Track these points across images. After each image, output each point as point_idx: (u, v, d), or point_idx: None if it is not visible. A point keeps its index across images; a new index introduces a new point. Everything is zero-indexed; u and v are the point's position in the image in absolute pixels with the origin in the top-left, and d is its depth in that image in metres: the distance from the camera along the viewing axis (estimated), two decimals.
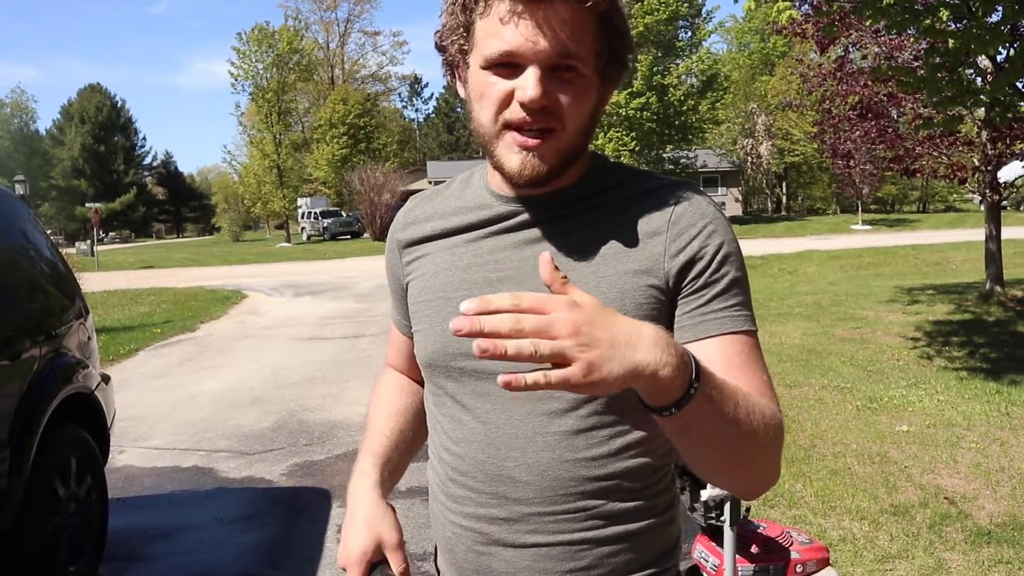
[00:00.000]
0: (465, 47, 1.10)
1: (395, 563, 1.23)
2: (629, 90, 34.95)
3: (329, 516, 4.48)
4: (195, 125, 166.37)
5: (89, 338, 4.27)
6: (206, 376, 8.72)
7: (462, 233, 1.21)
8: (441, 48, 1.14)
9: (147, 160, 78.95)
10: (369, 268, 23.07)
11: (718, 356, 1.05)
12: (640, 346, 0.84)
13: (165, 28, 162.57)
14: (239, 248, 44.11)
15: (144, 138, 79.96)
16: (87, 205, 42.41)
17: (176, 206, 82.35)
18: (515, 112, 1.05)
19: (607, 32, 1.06)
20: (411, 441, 1.40)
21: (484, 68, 1.06)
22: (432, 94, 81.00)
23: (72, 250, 31.61)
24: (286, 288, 18.53)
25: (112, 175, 71.20)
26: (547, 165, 1.07)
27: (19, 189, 24.99)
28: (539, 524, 1.13)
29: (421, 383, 1.34)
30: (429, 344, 1.21)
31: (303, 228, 48.50)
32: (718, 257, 1.09)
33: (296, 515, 4.58)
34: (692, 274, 1.08)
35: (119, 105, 75.13)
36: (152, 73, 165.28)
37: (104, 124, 71.75)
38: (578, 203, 1.14)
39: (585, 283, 1.07)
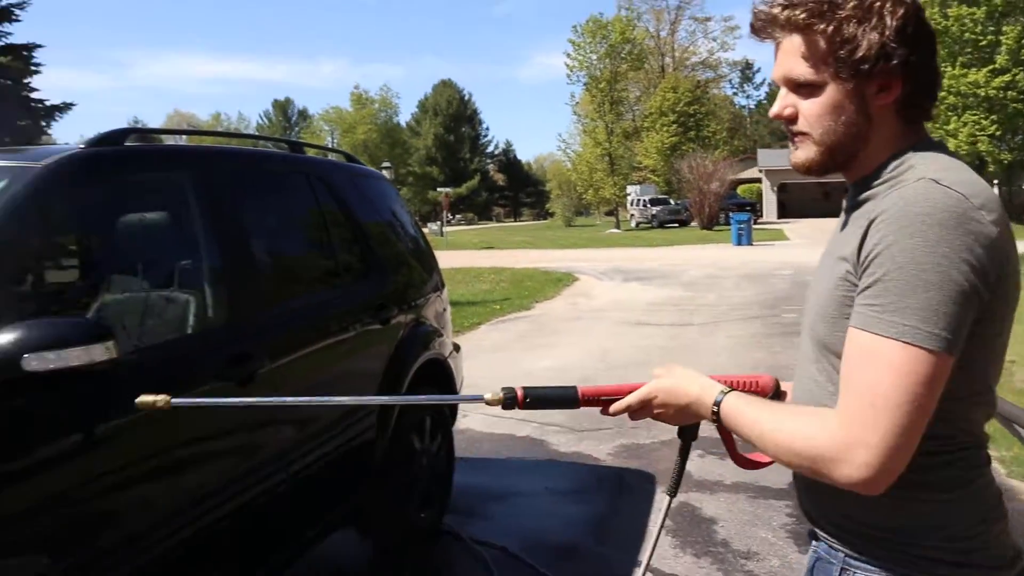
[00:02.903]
0: None
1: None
2: (990, 67, 30.95)
3: (652, 499, 4.53)
4: (533, 115, 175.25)
5: (444, 309, 4.68)
6: (540, 353, 9.20)
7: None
8: None
9: (489, 149, 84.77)
10: (696, 257, 22.88)
11: (847, 348, 1.18)
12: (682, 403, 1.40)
13: (508, 25, 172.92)
14: (571, 233, 45.87)
15: (487, 128, 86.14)
16: (438, 190, 46.61)
17: (514, 192, 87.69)
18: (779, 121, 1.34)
19: (832, 44, 1.21)
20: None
21: None
22: (763, 80, 78.02)
23: (426, 230, 34.86)
24: (615, 273, 18.97)
25: (459, 163, 77.53)
26: (810, 159, 1.30)
27: (387, 174, 28.03)
28: None
29: None
30: None
31: (632, 215, 49.20)
32: (880, 254, 1.14)
33: (620, 494, 4.69)
34: (863, 266, 1.17)
35: (466, 98, 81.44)
36: (496, 67, 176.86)
37: (454, 116, 78.27)
38: (860, 197, 1.28)
39: (822, 266, 1.34)
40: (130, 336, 2.59)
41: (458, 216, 74.60)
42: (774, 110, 1.32)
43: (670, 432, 1.55)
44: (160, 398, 1.50)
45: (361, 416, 3.50)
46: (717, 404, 1.34)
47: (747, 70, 75.00)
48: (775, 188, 48.25)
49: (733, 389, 1.36)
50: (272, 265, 3.38)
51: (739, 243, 27.84)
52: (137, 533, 2.28)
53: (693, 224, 41.99)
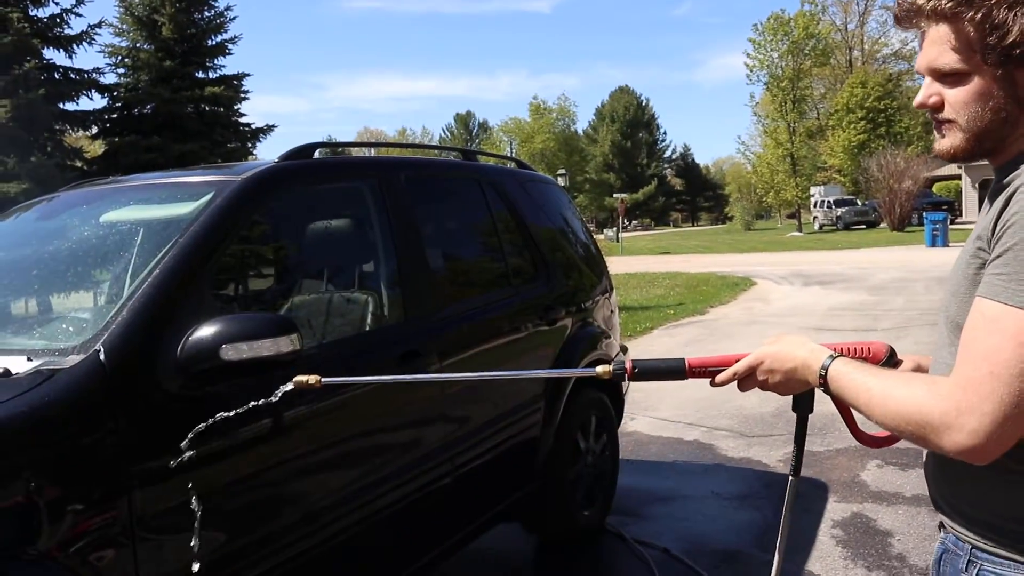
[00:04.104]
0: None
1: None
2: None
3: (824, 509, 4.39)
4: (711, 118, 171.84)
5: (612, 312, 4.75)
6: None
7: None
8: None
9: (667, 153, 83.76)
10: (884, 259, 21.63)
11: (971, 316, 1.16)
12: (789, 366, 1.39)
13: (686, 27, 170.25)
14: (750, 236, 44.57)
15: (664, 133, 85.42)
16: (614, 196, 46.53)
17: (692, 196, 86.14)
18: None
19: (977, 30, 1.19)
20: None
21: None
22: None
23: (601, 236, 35.00)
24: (795, 277, 18.28)
25: (636, 168, 77.06)
26: (956, 146, 1.28)
27: (561, 181, 28.42)
28: None
29: None
30: None
31: (815, 217, 47.18)
32: (1014, 224, 1.13)
33: None
34: (997, 237, 1.15)
35: (643, 104, 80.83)
36: (673, 71, 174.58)
37: (631, 122, 77.93)
38: (1004, 180, 1.24)
39: (967, 245, 1.29)
40: (314, 332, 2.84)
41: (635, 222, 74.24)
42: (919, 99, 1.30)
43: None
44: (312, 378, 1.66)
45: (526, 413, 3.63)
46: (825, 368, 1.32)
47: None
48: (976, 185, 44.71)
49: (842, 355, 1.34)
50: (444, 268, 3.58)
51: (933, 244, 26.04)
52: (310, 515, 2.48)
53: (882, 225, 39.67)
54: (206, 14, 20.88)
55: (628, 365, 1.50)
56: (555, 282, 4.13)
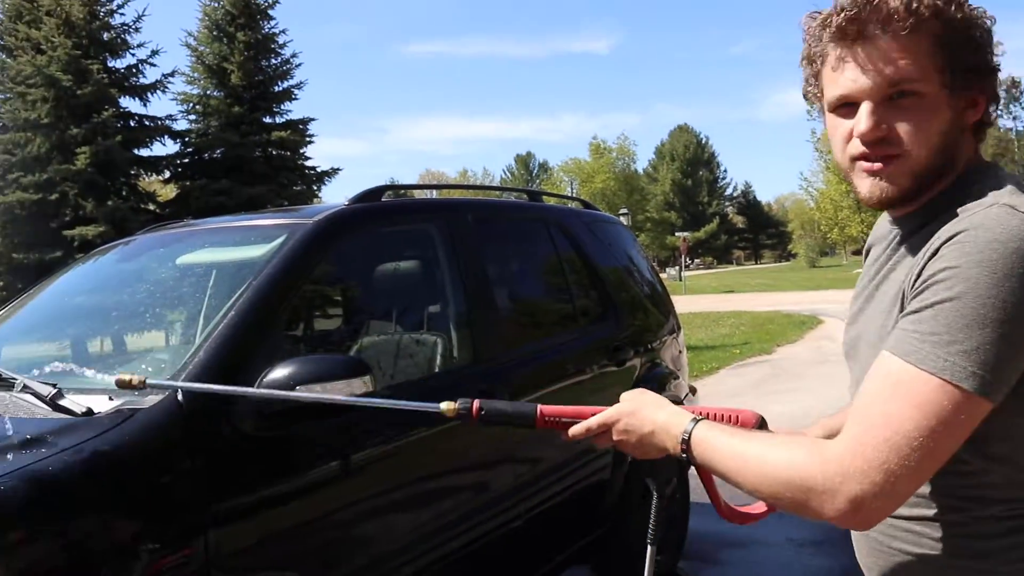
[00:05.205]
0: (818, 94, 1.20)
1: None
2: None
3: None
4: (772, 155, 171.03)
5: (680, 352, 4.67)
6: (780, 398, 8.85)
7: (876, 244, 1.29)
8: (806, 98, 1.25)
9: (728, 191, 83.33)
10: None
11: (872, 370, 1.05)
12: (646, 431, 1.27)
13: (745, 64, 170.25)
14: (815, 274, 43.83)
15: (725, 171, 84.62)
16: (676, 234, 46.21)
17: (754, 233, 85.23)
18: (856, 146, 1.12)
19: (948, 48, 1.07)
20: None
21: (830, 111, 1.17)
22: None
23: (663, 275, 34.73)
24: None
25: (697, 206, 76.71)
26: (897, 186, 1.11)
27: (623, 220, 28.38)
28: None
29: None
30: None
31: None
32: (939, 281, 1.00)
33: None
34: (917, 289, 1.04)
35: (703, 142, 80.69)
36: (732, 108, 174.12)
37: (691, 160, 77.80)
38: (921, 227, 1.12)
39: (875, 309, 1.18)
40: (384, 374, 2.84)
41: (696, 260, 73.59)
42: (866, 128, 1.11)
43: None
44: (136, 377, 1.68)
45: (596, 455, 3.57)
46: (687, 433, 1.18)
47: (1013, 88, 68.35)
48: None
49: (706, 419, 1.22)
50: (512, 308, 3.56)
51: None
52: (380, 558, 2.46)
53: None
54: (273, 61, 21.49)
55: (475, 406, 1.38)
56: (623, 322, 4.08)
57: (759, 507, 1.37)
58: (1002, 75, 1.16)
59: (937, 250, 1.02)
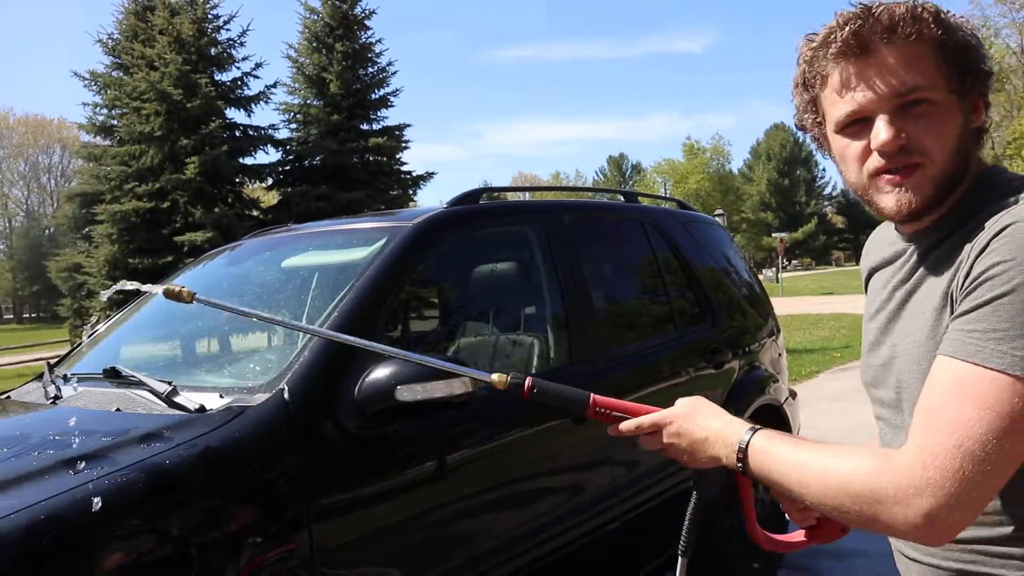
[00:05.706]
0: (819, 120, 1.18)
1: None
2: None
3: None
4: None
5: (780, 355, 4.56)
6: None
7: (881, 268, 1.28)
8: (801, 128, 1.23)
9: (826, 191, 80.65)
10: None
11: (931, 378, 1.01)
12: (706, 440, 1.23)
13: None
14: None
15: (823, 169, 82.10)
16: (773, 235, 45.16)
17: (855, 234, 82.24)
18: (875, 161, 1.09)
19: (949, 53, 1.06)
20: None
21: (838, 133, 1.14)
22: None
23: (760, 276, 33.94)
24: None
25: (794, 206, 74.65)
26: (921, 196, 1.08)
27: (720, 221, 27.87)
28: None
29: None
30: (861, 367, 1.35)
31: None
32: (994, 276, 0.97)
33: None
34: (967, 289, 1.00)
35: (800, 140, 78.23)
36: None
37: (787, 159, 75.74)
38: (947, 236, 1.10)
39: (912, 323, 1.13)
40: None
41: (794, 261, 71.68)
42: (887, 139, 1.10)
43: None
44: (185, 289, 1.64)
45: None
46: (745, 443, 1.13)
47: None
48: None
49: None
50: (609, 309, 3.54)
51: None
52: (477, 557, 2.48)
53: None
54: (370, 70, 21.96)
55: (528, 383, 1.35)
56: (720, 324, 4.01)
57: (797, 535, 1.31)
58: None
59: (986, 245, 1.00)
